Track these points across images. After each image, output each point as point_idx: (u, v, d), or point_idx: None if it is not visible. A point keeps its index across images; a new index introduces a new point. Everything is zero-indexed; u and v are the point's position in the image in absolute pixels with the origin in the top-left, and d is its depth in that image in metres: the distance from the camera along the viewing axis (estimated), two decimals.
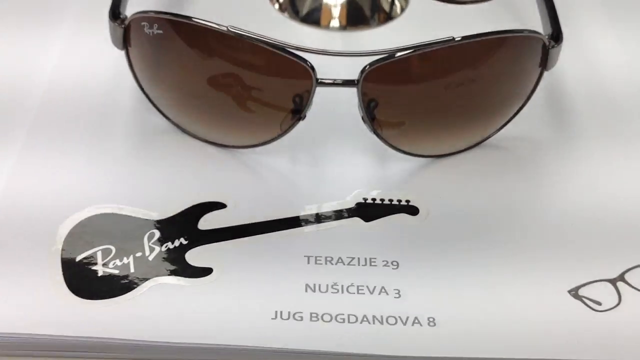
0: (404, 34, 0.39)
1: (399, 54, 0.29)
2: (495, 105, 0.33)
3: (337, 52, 0.30)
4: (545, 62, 0.32)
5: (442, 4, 0.38)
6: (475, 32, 0.30)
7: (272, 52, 0.29)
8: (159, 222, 0.30)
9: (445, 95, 0.32)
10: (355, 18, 0.41)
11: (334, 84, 0.30)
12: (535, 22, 0.35)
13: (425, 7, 0.40)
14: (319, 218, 0.31)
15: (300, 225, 0.30)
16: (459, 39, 0.29)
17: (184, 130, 0.33)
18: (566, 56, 0.34)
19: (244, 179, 0.32)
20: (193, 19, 0.29)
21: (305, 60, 0.29)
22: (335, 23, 0.40)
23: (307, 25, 0.40)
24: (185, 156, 0.33)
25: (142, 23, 0.30)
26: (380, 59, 0.29)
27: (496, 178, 0.32)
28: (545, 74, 0.33)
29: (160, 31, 0.30)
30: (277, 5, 0.41)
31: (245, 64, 0.30)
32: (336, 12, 0.40)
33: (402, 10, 0.41)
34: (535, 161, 0.33)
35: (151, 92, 0.33)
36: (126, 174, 0.32)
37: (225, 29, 0.29)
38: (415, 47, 0.29)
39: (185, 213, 0.30)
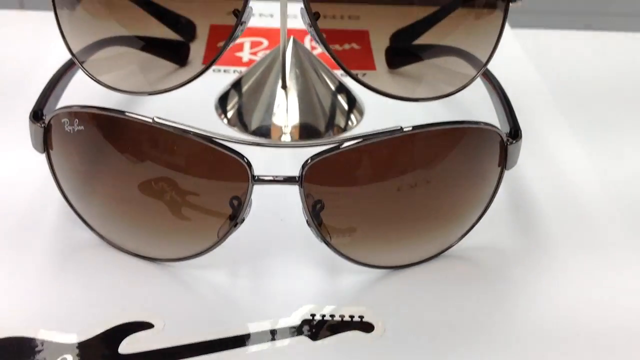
0: None
1: (345, 144, 0.26)
2: (455, 210, 0.30)
3: (271, 143, 0.27)
4: (504, 160, 0.29)
5: (396, 109, 0.36)
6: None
7: (204, 146, 0.26)
8: (74, 346, 0.26)
9: (399, 198, 0.29)
10: (308, 132, 0.38)
11: (274, 181, 0.27)
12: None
13: (380, 118, 0.39)
14: (260, 338, 0.27)
15: (238, 347, 0.26)
16: (408, 128, 0.27)
17: (110, 243, 0.30)
18: (527, 157, 0.31)
19: (175, 296, 0.28)
20: (116, 112, 0.27)
21: (240, 155, 0.27)
22: (286, 137, 0.38)
23: (257, 139, 0.37)
24: (111, 272, 0.29)
25: (63, 120, 0.27)
26: (324, 150, 0.27)
27: (458, 291, 0.29)
28: (507, 174, 0.30)
29: (82, 127, 0.27)
30: (225, 120, 0.39)
31: (174, 163, 0.27)
32: (287, 128, 0.38)
33: (358, 122, 0.39)
34: (499, 273, 0.30)
35: (73, 199, 0.29)
36: (43, 293, 0.28)
37: (150, 120, 0.26)
38: (363, 137, 0.27)
39: (106, 335, 0.27)
